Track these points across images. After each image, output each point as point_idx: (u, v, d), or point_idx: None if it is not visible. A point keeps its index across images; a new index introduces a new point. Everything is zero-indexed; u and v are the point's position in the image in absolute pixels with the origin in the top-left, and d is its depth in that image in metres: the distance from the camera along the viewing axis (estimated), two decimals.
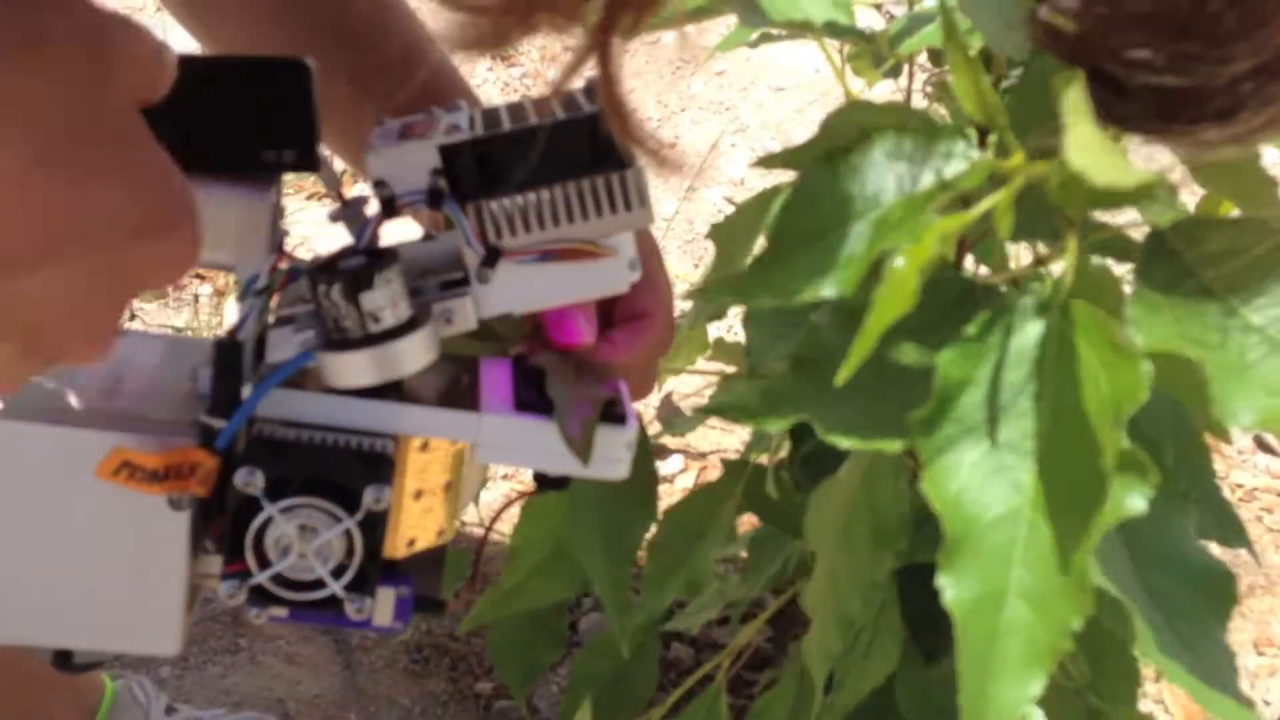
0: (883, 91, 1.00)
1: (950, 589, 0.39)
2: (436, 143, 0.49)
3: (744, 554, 1.02)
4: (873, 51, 0.95)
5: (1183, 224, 0.45)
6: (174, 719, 0.94)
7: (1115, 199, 0.35)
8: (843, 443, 0.44)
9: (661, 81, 1.87)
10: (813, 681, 0.88)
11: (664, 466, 1.40)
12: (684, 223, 1.68)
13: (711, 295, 0.68)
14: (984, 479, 0.40)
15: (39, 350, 0.39)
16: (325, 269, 0.47)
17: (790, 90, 1.87)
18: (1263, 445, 1.38)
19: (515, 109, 0.51)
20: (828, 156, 0.44)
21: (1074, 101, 0.32)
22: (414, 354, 0.48)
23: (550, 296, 0.52)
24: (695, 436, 1.43)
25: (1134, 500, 0.37)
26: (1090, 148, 0.32)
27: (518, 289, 0.51)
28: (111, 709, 0.92)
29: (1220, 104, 0.36)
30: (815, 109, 1.84)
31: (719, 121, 1.85)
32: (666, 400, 1.45)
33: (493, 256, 0.50)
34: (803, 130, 1.82)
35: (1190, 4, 0.34)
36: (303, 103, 0.49)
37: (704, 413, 0.56)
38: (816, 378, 0.47)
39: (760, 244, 0.44)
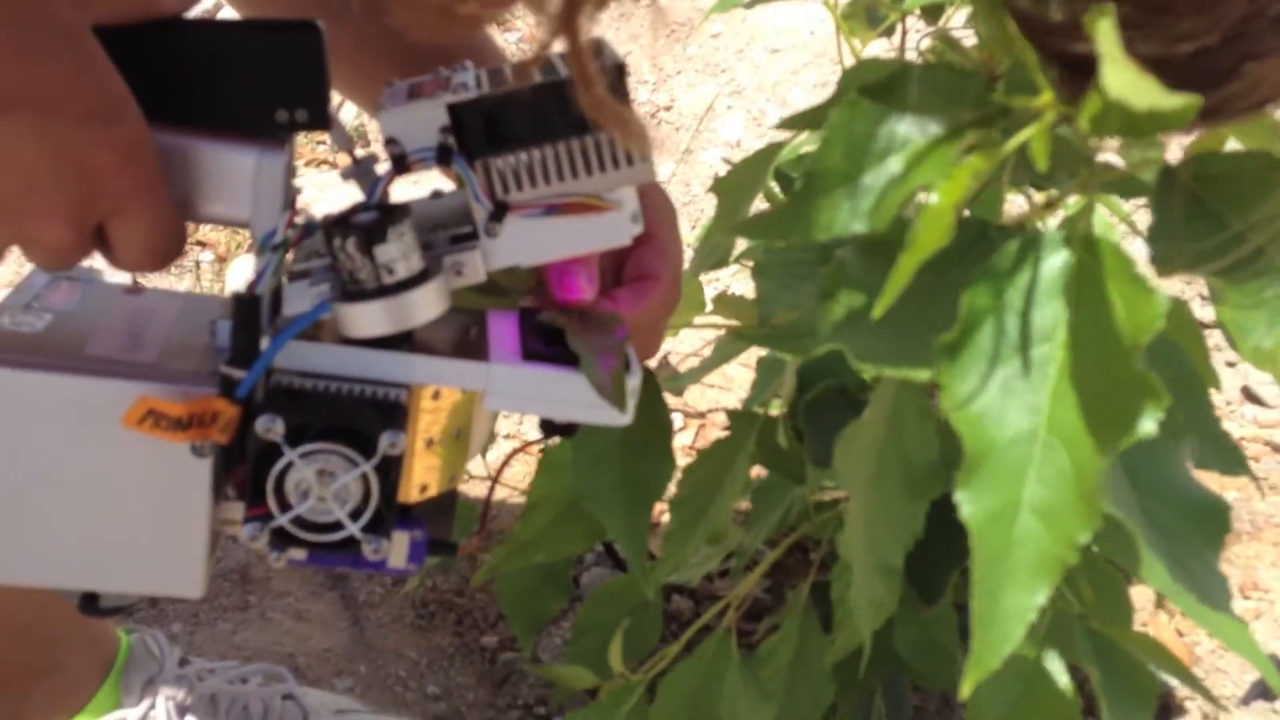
0: (876, 51, 1.01)
1: (967, 504, 0.41)
2: (445, 101, 0.51)
3: (746, 505, 1.04)
4: (867, 8, 0.96)
5: (1192, 158, 0.46)
6: (187, 670, 0.96)
7: (1147, 126, 0.36)
8: (876, 371, 0.46)
9: (656, 44, 1.88)
10: (816, 626, 0.90)
11: None
12: (680, 185, 1.69)
13: (747, 234, 0.69)
14: (1003, 401, 0.41)
15: None
16: (340, 223, 0.49)
17: (785, 51, 1.88)
18: (1250, 396, 1.40)
19: (520, 68, 0.53)
20: (859, 98, 0.45)
21: (1105, 34, 0.33)
22: (426, 304, 0.50)
23: (556, 249, 0.54)
24: (693, 395, 1.45)
25: (1147, 423, 0.39)
26: (1126, 76, 0.33)
27: (524, 242, 0.53)
28: (127, 661, 0.94)
29: (1194, 82, 0.36)
30: (810, 70, 1.85)
31: (714, 84, 1.86)
32: (664, 360, 1.47)
33: (500, 211, 0.52)
34: (798, 91, 1.83)
35: None
36: (314, 63, 0.51)
37: (740, 338, 0.58)
38: (842, 309, 0.49)
39: (792, 182, 0.45)
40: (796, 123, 0.61)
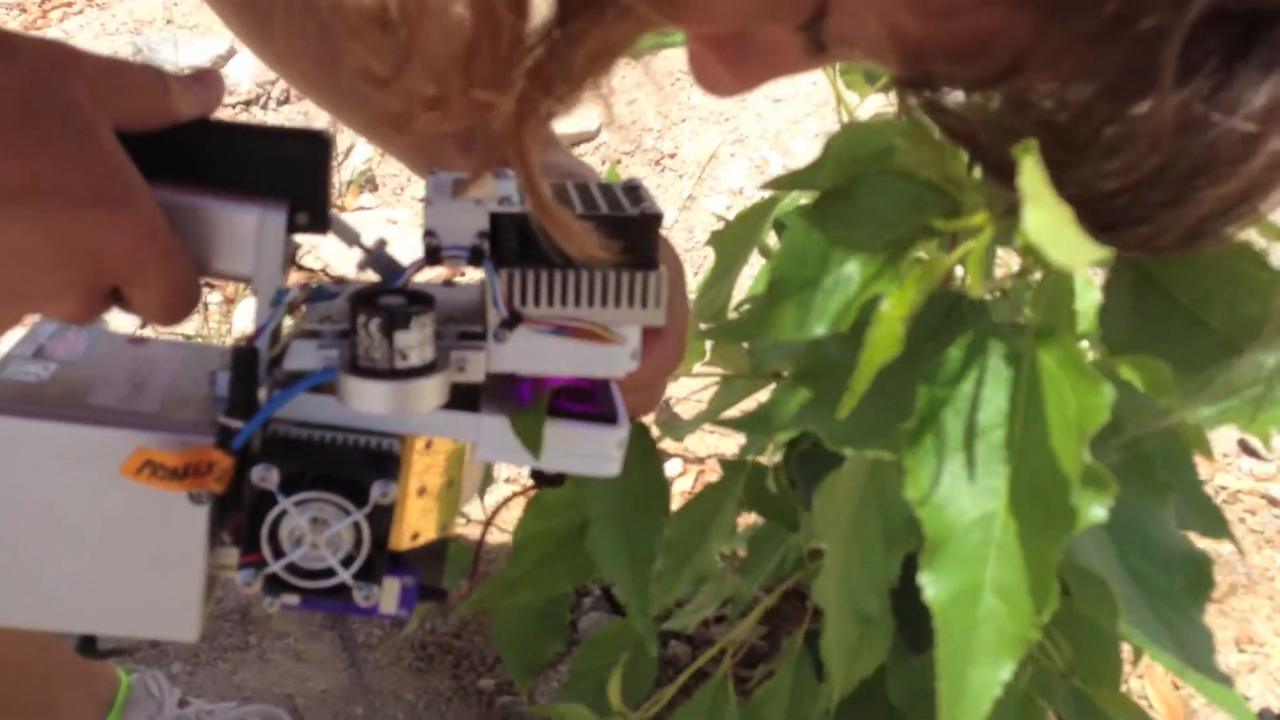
0: (875, 104, 1.03)
1: (930, 586, 0.42)
2: (489, 209, 0.53)
3: (743, 551, 1.05)
4: (864, 69, 0.98)
5: None
6: (186, 710, 0.97)
7: (1065, 266, 0.37)
8: (850, 452, 0.47)
9: (661, 93, 1.91)
10: (810, 673, 0.91)
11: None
12: (684, 232, 1.71)
13: (717, 338, 0.71)
14: (962, 487, 0.43)
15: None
16: (367, 300, 0.51)
17: (788, 101, 1.91)
18: (1247, 449, 1.41)
19: (561, 191, 0.55)
20: (816, 207, 0.47)
21: (1030, 172, 0.34)
22: (429, 394, 0.52)
23: (554, 366, 0.55)
24: (693, 441, 1.46)
25: (1095, 510, 0.40)
26: (1046, 221, 0.34)
27: (527, 353, 0.54)
28: (126, 702, 0.95)
29: (1120, 219, 0.38)
30: (812, 120, 1.88)
31: (718, 132, 1.88)
32: (664, 405, 1.49)
33: (514, 320, 0.53)
34: (800, 140, 1.85)
35: (1070, 117, 0.36)
36: (320, 173, 0.53)
37: (712, 421, 0.59)
38: (819, 390, 0.50)
39: (760, 285, 0.47)
40: (782, 184, 0.62)
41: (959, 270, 0.73)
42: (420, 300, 0.51)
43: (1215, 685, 0.54)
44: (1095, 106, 0.35)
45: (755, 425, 0.54)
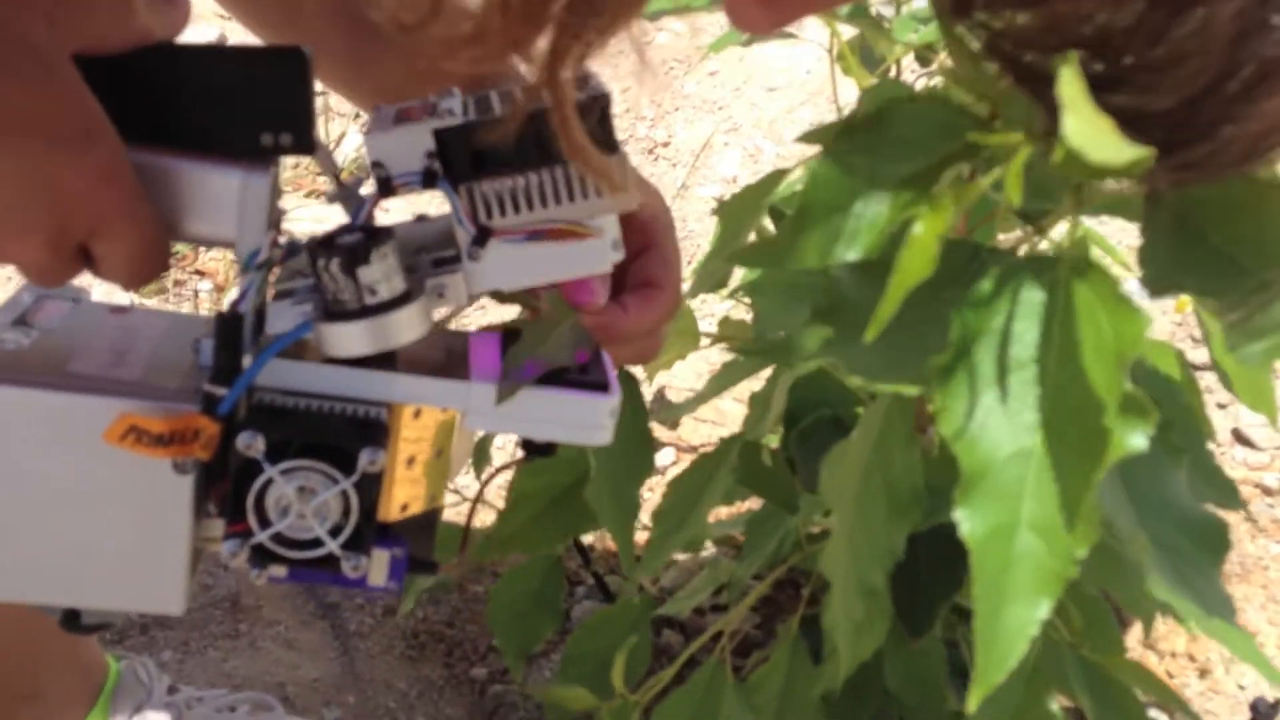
0: None
1: (966, 522, 0.41)
2: (431, 126, 0.51)
3: (741, 536, 1.04)
4: (863, 50, 0.98)
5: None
6: (176, 697, 0.96)
7: (1107, 174, 0.37)
8: (869, 385, 0.46)
9: (655, 80, 1.90)
10: (806, 657, 0.90)
11: (657, 458, 1.42)
12: (677, 220, 1.70)
13: (744, 263, 0.70)
14: (997, 421, 0.42)
15: None
16: (325, 244, 0.50)
17: (782, 90, 1.90)
18: (1241, 438, 1.40)
19: (506, 95, 0.54)
20: (848, 129, 0.46)
21: (1069, 82, 0.34)
22: (407, 325, 0.51)
23: (538, 274, 0.54)
24: (687, 429, 1.45)
25: (1136, 439, 0.40)
26: (1086, 126, 0.34)
27: (507, 266, 0.53)
28: (116, 688, 0.94)
29: (1170, 138, 0.37)
30: (807, 108, 1.87)
31: (712, 120, 1.87)
32: (659, 394, 1.48)
33: (483, 235, 0.52)
34: (794, 129, 1.84)
35: (1121, 32, 0.35)
36: (299, 89, 0.52)
37: (737, 351, 0.59)
38: (837, 326, 0.49)
39: (784, 216, 0.46)
40: (814, 137, 0.61)
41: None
42: (378, 234, 0.50)
43: (1239, 637, 0.54)
44: (1147, 19, 0.34)
45: (766, 353, 0.53)
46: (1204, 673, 1.18)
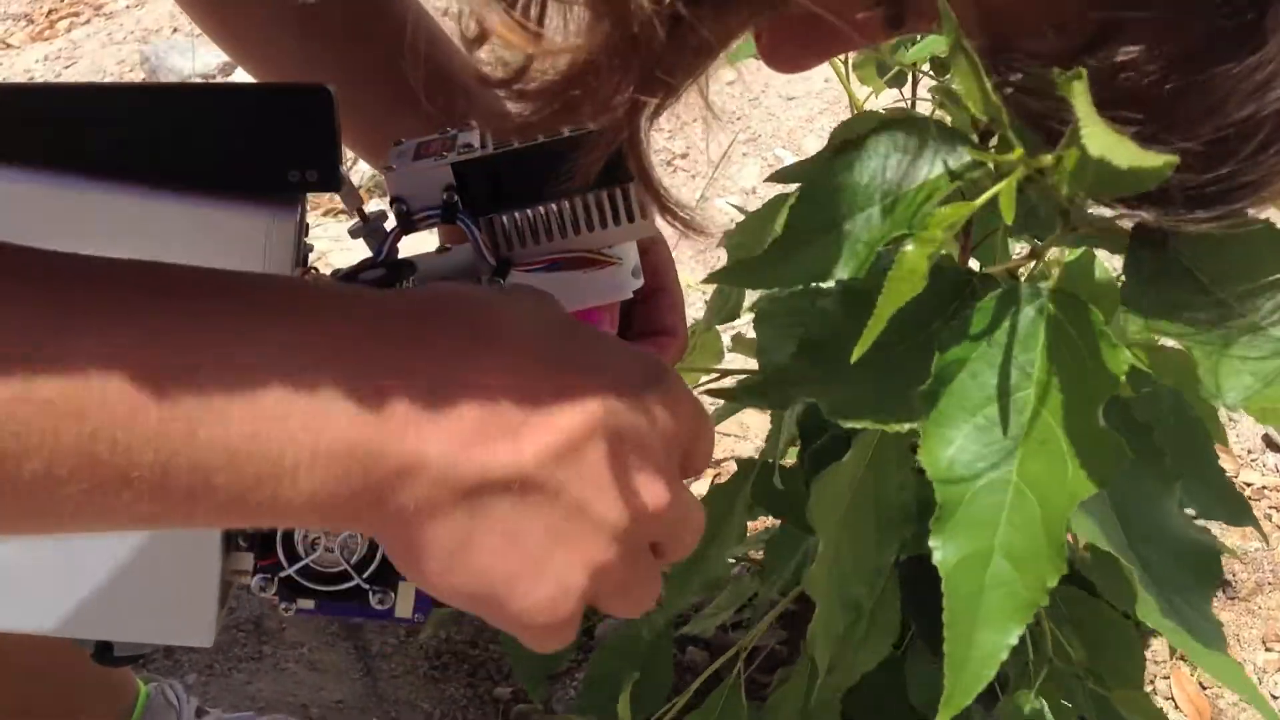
0: (888, 100, 1.03)
1: (940, 550, 0.42)
2: (450, 161, 0.52)
3: (759, 555, 1.04)
4: (878, 60, 0.97)
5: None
6: None
7: (1122, 184, 0.37)
8: (849, 424, 0.46)
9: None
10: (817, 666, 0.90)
11: None
12: None
13: (725, 281, 0.70)
14: (976, 450, 0.43)
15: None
16: (348, 280, 0.50)
17: (800, 99, 1.90)
18: (1271, 444, 1.39)
19: (524, 128, 0.54)
20: (839, 150, 0.46)
21: (1081, 97, 0.34)
22: None
23: (561, 302, 0.54)
24: None
25: (1101, 479, 0.40)
26: (1105, 136, 0.34)
27: None
28: (145, 710, 0.94)
29: (1184, 188, 0.37)
30: (825, 118, 1.87)
31: (730, 131, 1.87)
32: None
33: (503, 267, 0.52)
34: (813, 139, 1.84)
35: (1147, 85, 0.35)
36: (325, 126, 0.52)
37: (719, 395, 0.59)
38: (823, 361, 0.50)
39: (775, 232, 0.46)
40: (787, 176, 0.61)
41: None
42: (400, 268, 0.50)
43: (1225, 666, 0.53)
44: (1179, 67, 0.35)
45: (750, 396, 0.53)
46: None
